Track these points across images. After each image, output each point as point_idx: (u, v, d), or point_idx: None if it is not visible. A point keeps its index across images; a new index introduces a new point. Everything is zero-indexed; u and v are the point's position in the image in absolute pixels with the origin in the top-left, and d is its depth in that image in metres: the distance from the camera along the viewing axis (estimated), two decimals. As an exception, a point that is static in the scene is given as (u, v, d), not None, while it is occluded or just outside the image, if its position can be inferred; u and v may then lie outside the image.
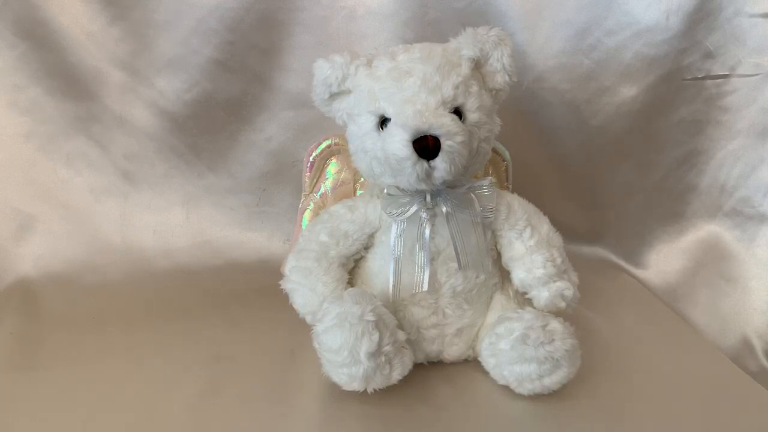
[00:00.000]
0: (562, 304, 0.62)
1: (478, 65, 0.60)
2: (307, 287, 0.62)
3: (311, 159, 0.75)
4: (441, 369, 0.64)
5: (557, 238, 0.64)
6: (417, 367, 0.61)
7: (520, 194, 0.66)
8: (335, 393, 0.57)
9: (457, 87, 0.57)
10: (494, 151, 0.75)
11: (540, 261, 0.61)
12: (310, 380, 0.60)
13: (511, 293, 0.65)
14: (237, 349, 0.68)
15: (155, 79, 0.88)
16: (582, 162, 0.94)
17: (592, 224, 0.97)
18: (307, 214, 0.75)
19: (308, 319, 0.63)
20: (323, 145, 0.74)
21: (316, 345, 0.56)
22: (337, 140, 0.74)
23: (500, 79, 0.61)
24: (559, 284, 0.61)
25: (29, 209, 0.89)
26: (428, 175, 0.55)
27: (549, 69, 0.88)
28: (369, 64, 0.60)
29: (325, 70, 0.61)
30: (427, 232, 0.59)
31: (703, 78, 0.89)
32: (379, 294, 0.61)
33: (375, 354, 0.53)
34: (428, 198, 0.59)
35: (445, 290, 0.61)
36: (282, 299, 0.64)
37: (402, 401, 0.58)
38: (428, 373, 0.63)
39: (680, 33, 0.85)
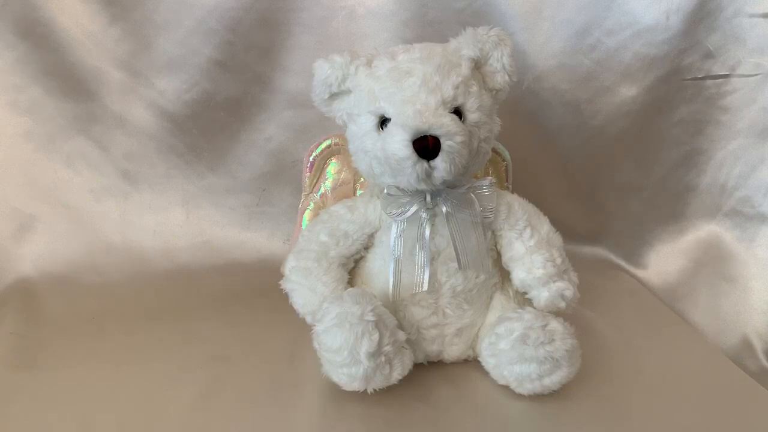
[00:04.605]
0: (562, 304, 0.61)
1: (478, 65, 0.60)
2: (307, 287, 0.62)
3: (311, 159, 0.75)
4: (441, 369, 0.64)
5: (557, 238, 0.64)
6: (417, 367, 0.61)
7: (520, 194, 0.66)
8: (335, 393, 0.57)
9: (457, 87, 0.57)
10: (494, 151, 0.75)
11: (540, 261, 0.61)
12: (310, 380, 0.60)
13: (511, 293, 0.65)
14: (237, 349, 0.68)
15: (155, 79, 0.88)
16: (582, 162, 0.94)
17: (592, 224, 0.97)
18: (307, 214, 0.75)
19: (308, 319, 0.62)
20: (323, 145, 0.75)
21: (316, 345, 0.56)
22: (337, 140, 0.74)
23: (500, 79, 0.61)
24: (559, 284, 0.61)
25: (29, 209, 0.89)
26: (428, 175, 0.55)
27: (549, 69, 0.88)
28: (369, 64, 0.60)
29: (325, 70, 0.61)
30: (427, 232, 0.59)
31: (703, 78, 0.89)
32: (379, 294, 0.61)
33: (375, 354, 0.53)
34: (428, 198, 0.59)
35: (445, 290, 0.61)
36: (282, 299, 0.64)
37: (402, 401, 0.58)
38: (428, 373, 0.63)
39: (680, 33, 0.85)
